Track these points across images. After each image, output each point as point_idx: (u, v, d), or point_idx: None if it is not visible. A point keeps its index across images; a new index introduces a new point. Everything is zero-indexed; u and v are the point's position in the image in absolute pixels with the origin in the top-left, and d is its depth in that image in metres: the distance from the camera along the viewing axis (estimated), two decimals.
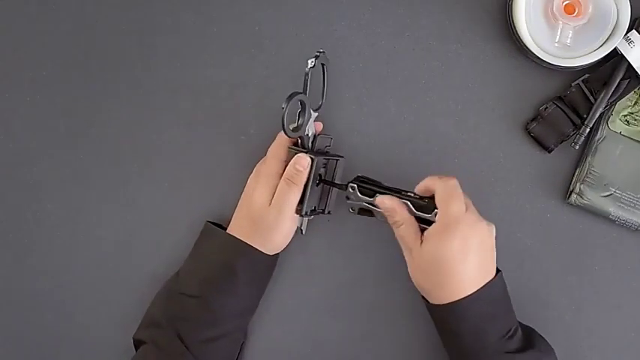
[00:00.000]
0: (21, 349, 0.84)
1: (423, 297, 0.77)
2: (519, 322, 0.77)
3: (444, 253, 0.71)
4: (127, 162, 0.85)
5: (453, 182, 0.73)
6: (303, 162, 0.76)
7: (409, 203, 0.74)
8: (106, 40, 0.85)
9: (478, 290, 0.72)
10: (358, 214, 0.78)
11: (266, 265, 0.79)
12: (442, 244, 0.71)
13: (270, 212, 0.77)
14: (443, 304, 0.73)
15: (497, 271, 0.75)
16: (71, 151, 0.85)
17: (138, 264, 0.84)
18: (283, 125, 0.72)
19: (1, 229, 0.84)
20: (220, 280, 0.77)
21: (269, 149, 0.80)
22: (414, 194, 0.76)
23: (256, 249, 0.77)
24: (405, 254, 0.76)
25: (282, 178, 0.77)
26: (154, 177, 0.85)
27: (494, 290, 0.73)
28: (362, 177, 0.78)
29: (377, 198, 0.76)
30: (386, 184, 0.78)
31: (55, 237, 0.84)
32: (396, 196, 0.75)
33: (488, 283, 0.72)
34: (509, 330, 0.74)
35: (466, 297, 0.71)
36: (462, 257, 0.71)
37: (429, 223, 0.73)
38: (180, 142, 0.85)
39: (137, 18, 0.85)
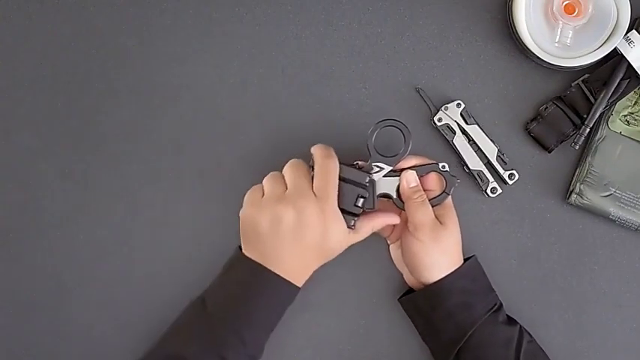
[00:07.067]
0: (21, 349, 0.84)
1: (402, 300, 0.80)
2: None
3: (458, 236, 0.78)
4: (127, 162, 0.85)
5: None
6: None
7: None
8: (106, 40, 0.85)
9: (458, 268, 0.76)
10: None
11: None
12: (458, 229, 0.78)
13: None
14: (431, 284, 0.75)
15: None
16: (71, 151, 0.85)
17: (138, 264, 0.84)
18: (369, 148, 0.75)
19: (1, 229, 0.84)
20: None
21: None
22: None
23: None
24: (415, 233, 0.76)
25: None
26: (154, 177, 0.84)
27: (472, 267, 0.78)
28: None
29: (405, 174, 0.76)
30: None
31: (55, 237, 0.84)
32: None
33: (464, 263, 0.77)
34: (495, 305, 0.77)
35: (450, 274, 0.75)
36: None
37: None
38: (180, 142, 0.85)
39: (137, 18, 0.85)
